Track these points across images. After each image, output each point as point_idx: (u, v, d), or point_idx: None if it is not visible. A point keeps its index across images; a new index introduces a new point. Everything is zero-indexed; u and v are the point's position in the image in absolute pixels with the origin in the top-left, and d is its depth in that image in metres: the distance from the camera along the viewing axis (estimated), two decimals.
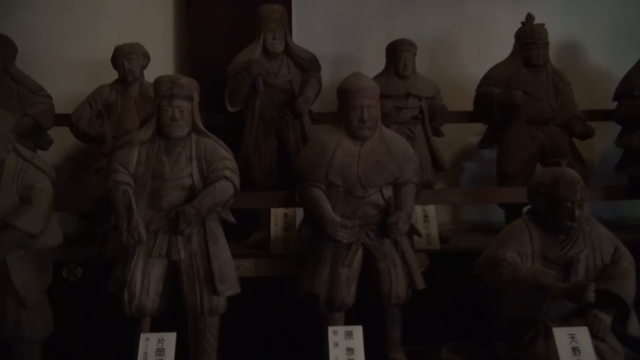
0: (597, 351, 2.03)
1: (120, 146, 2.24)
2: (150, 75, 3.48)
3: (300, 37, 3.75)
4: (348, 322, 2.39)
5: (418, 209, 2.83)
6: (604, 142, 3.64)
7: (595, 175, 3.86)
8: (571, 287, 2.02)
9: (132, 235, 2.10)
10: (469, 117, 3.35)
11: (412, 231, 2.34)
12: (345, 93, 2.29)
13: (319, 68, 3.15)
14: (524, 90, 3.08)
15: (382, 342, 2.35)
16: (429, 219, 2.81)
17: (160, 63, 3.64)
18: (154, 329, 2.22)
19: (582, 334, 1.96)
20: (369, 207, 2.25)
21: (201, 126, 2.28)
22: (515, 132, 3.13)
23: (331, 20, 3.79)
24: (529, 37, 3.12)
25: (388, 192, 2.29)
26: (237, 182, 2.27)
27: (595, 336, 2.05)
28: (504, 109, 3.13)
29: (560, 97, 3.14)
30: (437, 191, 2.95)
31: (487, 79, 3.21)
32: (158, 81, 2.24)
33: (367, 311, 2.39)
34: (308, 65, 3.08)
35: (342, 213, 2.23)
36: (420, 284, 2.31)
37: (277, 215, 2.74)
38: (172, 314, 2.30)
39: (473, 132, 3.75)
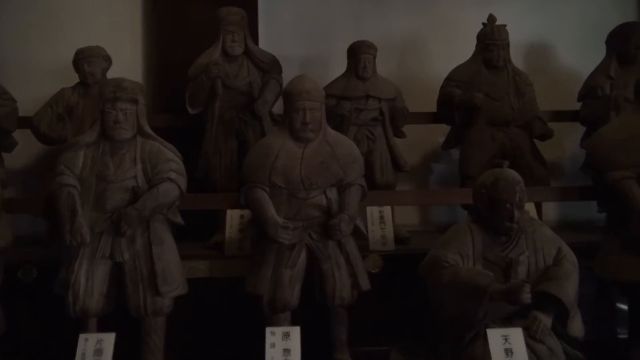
0: (535, 352, 2.04)
1: (67, 149, 2.27)
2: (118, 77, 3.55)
3: (268, 39, 3.79)
4: (297, 323, 2.42)
5: (374, 210, 2.84)
6: (574, 142, 3.64)
7: (565, 176, 3.87)
8: (507, 289, 2.01)
9: (75, 237, 2.12)
10: (432, 118, 3.36)
11: (357, 232, 2.35)
12: (289, 96, 2.30)
13: (279, 70, 3.17)
14: (485, 91, 3.08)
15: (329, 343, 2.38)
16: (384, 220, 2.82)
17: (129, 65, 3.68)
18: (105, 329, 2.25)
19: (516, 335, 1.97)
20: (312, 209, 2.26)
21: (147, 129, 2.31)
22: (476, 133, 3.13)
23: (299, 21, 3.80)
24: (489, 38, 3.12)
25: (332, 193, 2.30)
26: (183, 184, 2.29)
27: (533, 337, 2.06)
28: (464, 110, 3.13)
29: (521, 98, 3.13)
30: (387, 193, 2.95)
31: (449, 80, 3.22)
32: (102, 84, 2.26)
33: (319, 312, 2.43)
34: (268, 67, 3.09)
35: (285, 214, 2.25)
36: (365, 285, 2.32)
37: (232, 216, 2.76)
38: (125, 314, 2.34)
39: (442, 133, 3.74)
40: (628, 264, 2.34)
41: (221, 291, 2.65)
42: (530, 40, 3.87)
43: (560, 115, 3.43)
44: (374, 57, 3.14)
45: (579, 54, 3.76)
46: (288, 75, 3.75)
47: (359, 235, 2.38)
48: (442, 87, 3.24)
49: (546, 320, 2.09)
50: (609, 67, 3.19)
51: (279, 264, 2.24)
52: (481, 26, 3.51)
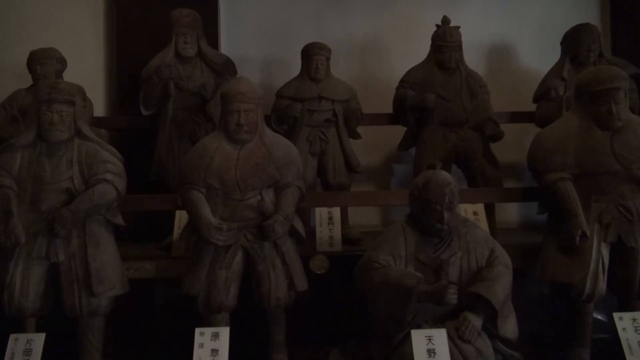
0: (462, 353, 2.05)
1: (3, 150, 2.29)
2: (81, 78, 3.55)
3: (229, 41, 3.82)
4: (237, 324, 2.44)
5: (323, 211, 2.86)
6: None
7: (526, 177, 3.87)
8: (433, 290, 2.02)
9: (9, 237, 2.14)
10: (389, 119, 3.37)
11: (293, 233, 2.37)
12: (224, 97, 2.32)
13: (234, 72, 3.19)
14: (437, 92, 3.09)
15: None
16: (333, 221, 2.83)
17: (91, 66, 3.72)
18: (46, 329, 2.26)
19: (440, 335, 1.98)
20: (248, 210, 2.27)
21: (85, 130, 2.32)
22: (429, 135, 3.14)
23: (260, 23, 3.83)
24: (441, 39, 3.13)
25: (269, 195, 2.31)
26: (120, 185, 2.30)
27: (461, 338, 2.08)
28: (417, 112, 3.15)
29: (474, 100, 3.13)
30: (329, 194, 2.98)
31: (403, 81, 3.23)
32: (39, 86, 2.28)
33: (261, 313, 2.44)
34: (221, 68, 3.12)
35: (221, 216, 2.26)
36: (301, 286, 2.33)
37: (180, 217, 2.78)
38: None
39: (402, 134, 3.78)
40: (564, 265, 2.35)
41: (167, 291, 2.67)
42: (491, 42, 3.90)
43: (518, 117, 3.44)
44: (327, 58, 3.16)
45: (540, 55, 3.76)
46: (250, 76, 3.82)
47: (296, 236, 2.39)
48: (397, 88, 3.26)
49: (476, 321, 2.10)
50: (563, 69, 3.20)
51: (214, 265, 2.25)
52: None
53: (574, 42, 3.22)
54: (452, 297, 2.00)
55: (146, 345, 2.61)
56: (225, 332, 2.07)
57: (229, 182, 2.25)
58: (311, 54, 3.11)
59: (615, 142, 2.31)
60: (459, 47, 3.14)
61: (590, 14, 3.90)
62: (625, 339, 2.10)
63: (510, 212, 3.79)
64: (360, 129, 3.61)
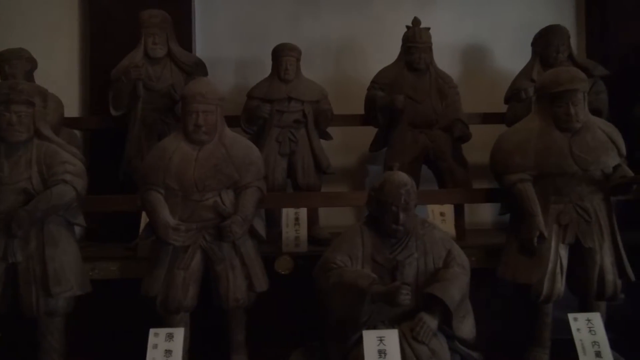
0: (415, 354, 2.06)
1: None
2: (56, 79, 3.57)
3: (204, 41, 3.82)
4: (198, 324, 2.45)
5: (290, 211, 2.86)
6: None
7: None
8: (386, 290, 2.03)
9: None
10: (362, 120, 3.37)
11: (254, 234, 2.37)
12: (183, 98, 2.32)
13: (204, 72, 3.19)
14: (407, 93, 3.09)
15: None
16: (299, 221, 2.83)
17: (66, 67, 3.72)
18: (6, 329, 2.27)
19: (391, 336, 1.99)
20: (207, 211, 2.27)
21: (45, 131, 2.32)
22: (398, 136, 3.14)
23: (235, 23, 3.83)
24: (411, 41, 3.13)
25: (228, 196, 2.32)
26: (80, 185, 2.30)
27: (415, 338, 2.08)
28: (387, 113, 3.15)
29: (444, 101, 3.13)
30: (296, 194, 2.99)
31: (374, 82, 3.23)
32: None
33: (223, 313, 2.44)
34: (192, 69, 3.12)
35: (180, 216, 2.26)
36: (260, 286, 2.34)
37: (145, 218, 2.77)
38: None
39: None
40: (523, 266, 2.36)
41: (132, 292, 2.67)
42: (466, 43, 3.90)
43: (490, 118, 3.45)
44: (297, 59, 3.17)
45: (515, 57, 3.74)
46: (225, 76, 3.85)
47: (256, 237, 2.39)
48: (367, 89, 3.26)
49: (431, 321, 2.11)
50: (532, 70, 3.21)
51: (172, 266, 2.26)
52: None
53: (544, 43, 3.23)
54: (405, 298, 2.01)
55: (109, 346, 2.61)
56: (179, 333, 2.07)
57: (187, 183, 2.25)
58: (280, 55, 3.12)
59: (573, 143, 2.32)
60: (428, 49, 3.14)
61: (565, 16, 3.90)
62: (579, 339, 2.11)
63: (484, 213, 3.80)
64: (334, 130, 3.63)
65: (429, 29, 3.22)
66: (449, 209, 2.89)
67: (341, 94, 3.68)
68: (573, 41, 3.94)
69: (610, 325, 2.69)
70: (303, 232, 2.80)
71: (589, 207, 2.33)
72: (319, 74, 3.82)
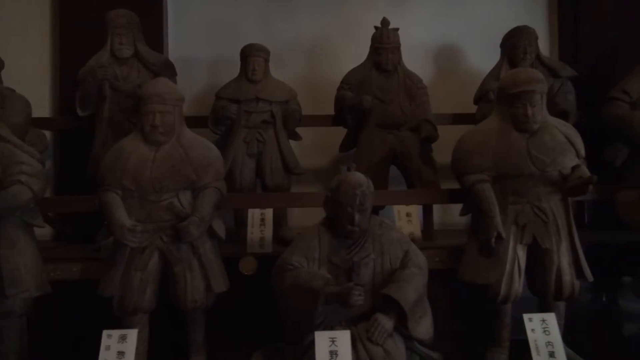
0: (369, 354, 2.06)
1: None
2: (27, 79, 3.55)
3: (177, 42, 3.81)
4: (158, 326, 2.44)
5: (256, 212, 2.86)
6: None
7: None
8: (339, 291, 2.03)
9: None
10: (332, 121, 3.37)
11: (213, 235, 2.37)
12: (140, 99, 2.32)
13: (172, 72, 3.19)
14: (375, 94, 3.09)
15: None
16: (265, 222, 2.83)
17: (37, 67, 3.69)
18: None
19: (343, 337, 1.98)
20: (164, 212, 2.27)
21: (2, 131, 2.31)
22: (366, 136, 3.14)
23: (208, 23, 3.81)
24: (378, 41, 3.13)
25: (186, 196, 2.31)
26: (37, 186, 2.29)
27: (370, 339, 2.08)
28: (355, 113, 3.15)
29: (413, 101, 3.13)
30: (259, 195, 2.99)
31: (343, 82, 3.23)
32: None
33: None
34: (159, 69, 3.11)
35: (137, 217, 2.26)
36: (219, 287, 2.34)
37: None
38: None
39: None
40: (481, 266, 2.37)
41: (94, 293, 2.66)
42: (439, 43, 3.90)
43: (460, 118, 3.45)
44: (265, 60, 3.16)
45: (488, 57, 3.72)
46: (197, 77, 3.84)
47: (217, 238, 2.39)
48: (337, 89, 3.25)
49: (386, 322, 2.11)
50: (500, 71, 3.22)
51: (129, 267, 2.25)
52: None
53: (511, 44, 3.24)
54: (358, 298, 2.01)
55: (69, 348, 2.60)
56: (132, 334, 2.07)
57: (144, 183, 2.25)
58: (248, 55, 3.11)
59: (531, 144, 2.33)
60: (396, 49, 3.14)
61: (537, 16, 3.91)
62: (534, 339, 2.12)
63: (456, 214, 3.79)
64: (306, 130, 3.63)
65: (397, 29, 3.22)
66: (415, 210, 2.90)
67: (313, 95, 3.69)
68: (545, 42, 3.99)
69: (570, 325, 2.74)
70: (268, 233, 2.79)
71: (547, 207, 2.33)
72: (291, 74, 3.83)
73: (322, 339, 1.97)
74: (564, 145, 2.34)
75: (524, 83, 2.32)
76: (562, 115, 3.16)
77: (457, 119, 3.46)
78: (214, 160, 2.35)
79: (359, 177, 2.20)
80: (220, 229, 2.39)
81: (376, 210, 3.20)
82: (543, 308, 2.40)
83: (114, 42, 3.02)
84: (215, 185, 2.34)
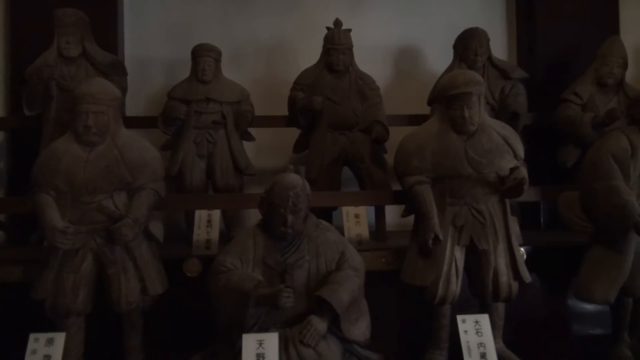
0: (301, 357, 2.04)
1: None
2: None
3: (135, 41, 3.77)
4: (96, 328, 2.41)
5: (203, 213, 2.84)
6: None
7: None
8: (269, 293, 2.02)
9: None
10: (286, 121, 3.36)
11: (149, 237, 2.34)
12: (73, 99, 2.28)
13: (121, 72, 3.16)
14: (326, 95, 3.08)
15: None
16: (212, 224, 2.81)
17: None
18: None
19: (271, 340, 1.97)
20: (97, 213, 2.24)
21: None
22: (318, 137, 3.13)
23: (166, 23, 3.78)
24: (330, 42, 3.13)
25: (121, 198, 2.28)
26: None
27: (302, 341, 2.07)
28: (307, 114, 3.14)
29: (365, 102, 3.13)
30: (202, 196, 2.98)
31: (296, 83, 3.22)
32: None
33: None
34: (107, 69, 3.08)
35: (70, 219, 2.22)
36: (154, 289, 2.31)
37: None
38: None
39: None
40: (420, 268, 2.37)
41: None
42: (398, 44, 3.91)
43: (416, 120, 3.45)
44: (216, 60, 3.15)
45: (447, 58, 3.75)
46: (155, 77, 3.80)
47: (152, 239, 2.37)
48: (290, 90, 3.25)
49: (319, 324, 2.09)
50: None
51: (62, 269, 2.22)
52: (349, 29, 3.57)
53: (462, 46, 3.26)
54: (287, 300, 1.99)
55: (9, 350, 2.56)
56: (60, 337, 2.04)
57: (76, 184, 2.22)
58: (198, 55, 3.10)
59: (469, 146, 2.33)
60: (348, 50, 3.13)
61: (495, 17, 3.95)
62: (466, 341, 2.12)
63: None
64: (265, 131, 3.63)
65: (349, 30, 3.21)
66: (363, 211, 2.89)
67: (271, 95, 3.68)
68: (503, 44, 4.02)
69: (520, 326, 2.76)
70: (215, 234, 2.77)
71: (484, 209, 2.34)
72: (248, 74, 3.81)
73: (249, 342, 1.96)
74: (501, 147, 2.35)
75: (461, 85, 2.32)
76: (513, 116, 3.19)
77: (413, 120, 3.46)
78: (150, 160, 2.33)
79: (293, 178, 2.19)
80: (157, 230, 2.37)
81: (329, 211, 3.21)
82: (483, 309, 2.41)
83: (60, 41, 2.99)
84: (151, 186, 2.31)
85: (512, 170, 2.37)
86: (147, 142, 2.41)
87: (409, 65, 3.91)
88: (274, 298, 1.99)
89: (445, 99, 2.36)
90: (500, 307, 2.41)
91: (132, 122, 3.48)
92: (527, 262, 2.78)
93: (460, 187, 2.34)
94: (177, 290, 2.55)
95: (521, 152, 2.41)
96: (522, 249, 2.74)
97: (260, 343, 1.96)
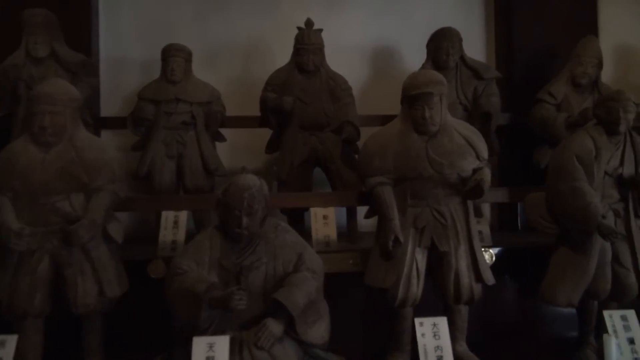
0: None
1: None
2: None
3: (109, 41, 3.76)
4: (55, 329, 2.39)
5: (170, 215, 2.82)
6: None
7: None
8: (221, 296, 2.00)
9: None
10: (259, 122, 3.34)
11: (108, 238, 2.33)
12: (29, 100, 2.27)
13: (91, 72, 3.13)
14: (297, 95, 3.06)
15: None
16: (178, 225, 2.79)
17: None
18: None
19: (221, 343, 1.95)
20: (53, 215, 2.22)
21: None
22: (289, 138, 3.11)
23: (142, 23, 3.76)
24: (300, 42, 3.10)
25: (78, 199, 2.26)
26: None
27: (256, 344, 2.05)
28: (278, 115, 3.12)
29: (337, 103, 3.10)
30: (169, 197, 2.97)
31: (267, 83, 3.19)
32: None
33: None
34: (77, 69, 3.06)
35: (26, 220, 2.21)
36: (112, 291, 2.29)
37: None
38: None
39: None
40: (381, 270, 2.35)
41: None
42: (376, 45, 3.89)
43: (389, 120, 3.40)
44: (186, 60, 3.13)
45: (424, 59, 3.76)
46: (130, 77, 3.78)
47: (111, 241, 2.35)
48: (262, 90, 3.22)
49: (274, 327, 2.07)
50: None
51: (18, 271, 2.20)
52: (326, 29, 3.54)
53: (434, 46, 3.23)
54: (238, 303, 1.98)
55: None
56: (12, 340, 2.02)
57: (33, 185, 2.20)
58: (167, 55, 3.08)
59: (430, 147, 2.31)
60: (318, 50, 3.10)
61: (474, 18, 3.93)
62: (423, 344, 2.09)
63: None
64: (240, 132, 3.61)
65: (321, 30, 3.19)
66: (332, 212, 2.86)
67: (248, 95, 3.63)
68: (482, 44, 3.99)
69: (481, 328, 2.74)
70: (181, 235, 2.75)
71: (446, 210, 2.32)
72: (225, 74, 3.80)
73: (199, 345, 1.94)
74: (463, 148, 2.32)
75: (422, 85, 2.30)
76: (485, 117, 3.16)
77: (387, 120, 3.35)
78: (108, 161, 2.30)
79: (249, 179, 2.17)
80: (116, 232, 2.35)
81: (301, 212, 3.19)
82: (446, 312, 2.39)
83: (28, 42, 2.97)
84: (109, 187, 2.29)
85: (475, 171, 2.34)
86: (105, 143, 2.40)
87: (386, 65, 3.89)
88: (225, 301, 1.98)
89: (407, 99, 2.34)
90: (463, 309, 2.39)
91: (106, 123, 3.52)
92: (499, 263, 2.78)
93: (422, 188, 2.31)
94: (141, 291, 2.54)
95: (484, 152, 2.38)
96: (491, 250, 2.74)
97: (211, 346, 1.94)
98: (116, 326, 2.53)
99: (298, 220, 3.12)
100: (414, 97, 2.30)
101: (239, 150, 3.73)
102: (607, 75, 4.03)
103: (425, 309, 2.40)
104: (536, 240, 2.94)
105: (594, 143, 2.35)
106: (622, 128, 2.32)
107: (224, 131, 3.54)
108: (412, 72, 2.41)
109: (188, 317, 2.06)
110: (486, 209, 3.79)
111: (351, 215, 3.11)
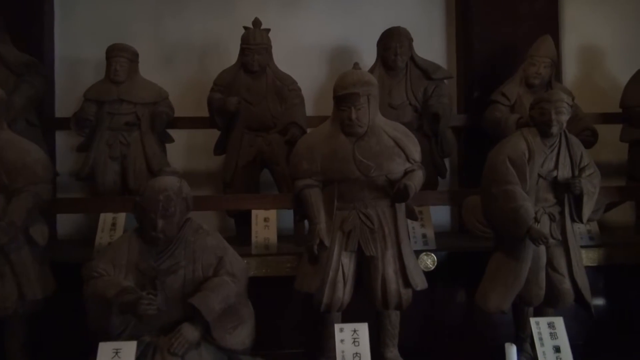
0: None
1: None
2: None
3: (64, 41, 3.73)
4: None
5: (108, 217, 2.80)
6: None
7: None
8: (130, 301, 1.96)
9: None
10: (209, 123, 3.29)
11: (30, 241, 2.29)
12: None
13: (36, 72, 3.10)
14: (242, 96, 3.02)
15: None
16: (116, 227, 2.76)
17: None
18: None
19: (128, 348, 1.92)
20: None
21: None
22: (234, 139, 3.07)
23: (97, 23, 3.72)
24: (245, 42, 3.06)
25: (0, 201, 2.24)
26: None
27: (169, 350, 2.01)
28: (224, 115, 3.08)
29: (284, 104, 3.06)
30: (109, 198, 2.94)
31: (214, 84, 3.15)
32: None
33: None
34: (21, 70, 3.03)
35: None
36: (33, 295, 2.26)
37: None
38: None
39: None
40: (307, 274, 2.31)
41: None
42: (334, 45, 3.82)
43: None
44: (130, 60, 3.09)
45: None
46: (85, 77, 3.75)
47: (34, 244, 2.31)
48: (210, 91, 3.18)
49: (190, 332, 2.03)
50: (374, 73, 3.13)
51: None
52: (284, 29, 3.51)
53: (383, 45, 3.18)
54: (147, 308, 1.94)
55: None
56: None
57: None
58: (110, 55, 3.05)
59: (357, 148, 2.26)
60: (263, 50, 3.06)
61: (435, 17, 3.86)
62: (341, 350, 2.04)
63: None
64: (196, 133, 3.58)
65: (268, 30, 3.15)
66: (273, 215, 2.82)
67: (204, 96, 3.55)
68: (442, 44, 3.93)
69: (421, 333, 2.69)
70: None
71: (373, 214, 2.26)
72: (182, 75, 3.76)
73: (105, 350, 1.91)
74: (391, 150, 2.26)
75: (349, 85, 2.25)
76: (434, 118, 3.11)
77: None
78: (29, 163, 2.27)
79: (166, 181, 2.12)
80: (39, 234, 2.31)
81: (248, 214, 3.13)
82: (377, 318, 2.34)
83: None
84: (30, 189, 2.26)
85: (407, 173, 2.29)
86: (30, 144, 2.36)
87: (346, 65, 3.72)
88: (134, 305, 1.94)
89: (335, 99, 2.29)
90: (394, 315, 2.33)
91: (62, 124, 3.48)
92: (442, 267, 2.73)
93: (349, 191, 2.26)
94: (75, 295, 2.51)
95: (415, 154, 2.31)
96: (432, 254, 2.68)
97: (117, 352, 1.90)
98: (47, 330, 2.51)
99: (244, 222, 3.08)
100: (340, 98, 2.25)
101: (194, 151, 3.70)
102: (571, 75, 3.97)
103: (358, 314, 2.36)
104: (485, 244, 2.89)
105: (527, 145, 2.30)
106: (555, 130, 2.26)
107: (179, 132, 3.51)
108: (341, 74, 2.35)
109: (99, 321, 2.03)
110: (445, 212, 3.73)
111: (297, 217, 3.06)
